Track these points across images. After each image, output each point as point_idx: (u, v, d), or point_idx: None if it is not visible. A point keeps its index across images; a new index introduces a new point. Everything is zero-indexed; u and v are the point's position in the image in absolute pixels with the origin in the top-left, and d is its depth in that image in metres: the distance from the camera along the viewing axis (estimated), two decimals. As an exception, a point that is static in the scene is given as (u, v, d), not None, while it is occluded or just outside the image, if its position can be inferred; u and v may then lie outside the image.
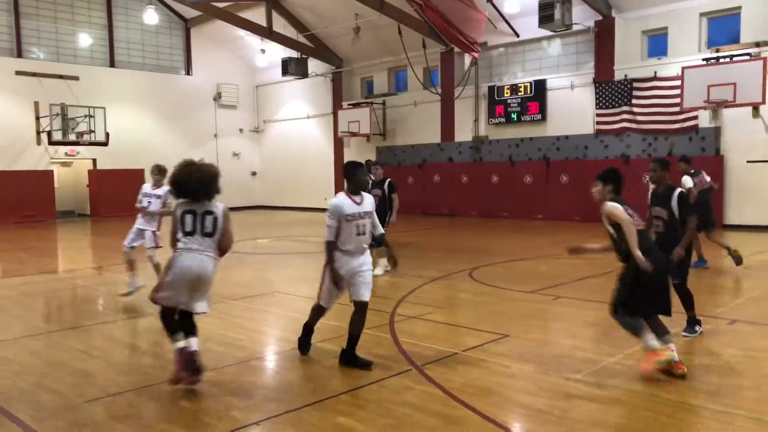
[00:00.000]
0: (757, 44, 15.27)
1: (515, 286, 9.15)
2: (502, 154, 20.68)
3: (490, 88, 20.88)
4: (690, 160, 9.94)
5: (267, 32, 22.70)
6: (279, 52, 25.01)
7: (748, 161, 15.93)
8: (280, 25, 23.53)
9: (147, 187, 8.61)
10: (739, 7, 16.09)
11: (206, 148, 27.34)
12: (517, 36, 20.14)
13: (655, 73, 17.25)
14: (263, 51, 25.99)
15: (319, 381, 5.10)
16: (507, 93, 20.49)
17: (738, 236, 14.41)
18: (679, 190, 6.17)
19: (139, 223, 8.55)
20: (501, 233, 16.62)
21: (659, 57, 17.69)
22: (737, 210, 16.18)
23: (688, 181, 9.29)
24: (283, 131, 28.30)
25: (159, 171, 8.44)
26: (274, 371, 5.62)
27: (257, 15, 22.53)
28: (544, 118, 19.78)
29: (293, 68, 24.30)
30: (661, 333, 5.09)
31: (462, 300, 8.35)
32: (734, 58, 15.23)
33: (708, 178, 10.29)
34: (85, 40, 24.23)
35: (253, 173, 29.35)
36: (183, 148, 26.27)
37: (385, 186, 10.21)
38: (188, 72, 27.22)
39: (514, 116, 20.39)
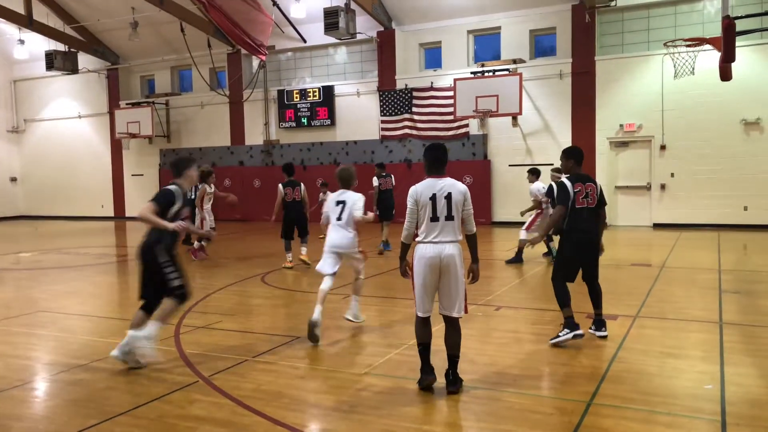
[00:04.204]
0: (514, 61, 17.28)
1: (307, 287, 9.23)
2: (294, 158, 20.79)
3: (280, 92, 20.89)
4: (384, 166, 13.48)
5: (26, 21, 20.18)
6: (42, 44, 22.33)
7: (509, 165, 17.94)
8: (42, 13, 21.08)
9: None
10: (499, 28, 18.08)
11: (-49, 150, 23.61)
12: (305, 41, 20.39)
13: (432, 83, 18.65)
14: (22, 42, 23.03)
15: (93, 404, 4.61)
16: (296, 97, 20.65)
17: (502, 231, 16.19)
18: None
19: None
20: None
21: (435, 69, 19.18)
22: (501, 208, 18.11)
23: (375, 180, 12.97)
24: (49, 132, 25.37)
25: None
26: (40, 398, 4.96)
27: (14, 1, 19.91)
28: (333, 124, 20.28)
29: (60, 62, 21.87)
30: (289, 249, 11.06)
31: (253, 305, 8.19)
32: (496, 73, 17.07)
33: (393, 182, 13.27)
34: None
35: (13, 179, 25.91)
36: None
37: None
38: (-76, 61, 23.14)
39: (304, 121, 20.62)
